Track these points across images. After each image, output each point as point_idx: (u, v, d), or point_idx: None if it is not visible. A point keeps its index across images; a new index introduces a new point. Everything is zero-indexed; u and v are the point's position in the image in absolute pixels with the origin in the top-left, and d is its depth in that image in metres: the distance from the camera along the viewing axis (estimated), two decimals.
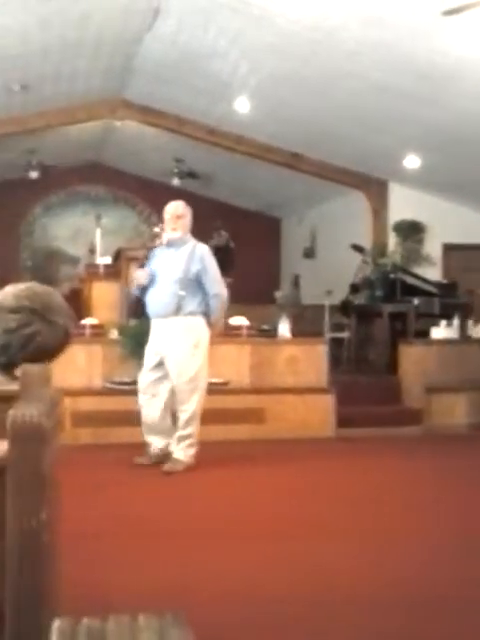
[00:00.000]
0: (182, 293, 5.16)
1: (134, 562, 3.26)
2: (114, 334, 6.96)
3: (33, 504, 1.23)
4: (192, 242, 5.39)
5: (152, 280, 5.27)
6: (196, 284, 5.22)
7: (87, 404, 6.22)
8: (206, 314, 5.27)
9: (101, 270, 7.98)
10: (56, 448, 1.39)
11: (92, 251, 10.42)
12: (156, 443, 5.29)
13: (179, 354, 5.14)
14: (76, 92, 8.58)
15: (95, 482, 4.77)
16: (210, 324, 5.29)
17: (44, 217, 12.61)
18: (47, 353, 2.00)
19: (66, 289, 11.44)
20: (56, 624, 1.08)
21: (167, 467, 5.07)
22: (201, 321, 5.25)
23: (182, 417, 5.19)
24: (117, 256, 7.94)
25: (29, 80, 7.75)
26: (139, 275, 5.36)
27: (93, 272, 8.11)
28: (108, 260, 8.22)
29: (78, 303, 8.49)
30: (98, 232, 10.01)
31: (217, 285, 5.31)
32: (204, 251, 5.38)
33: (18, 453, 1.22)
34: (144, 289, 5.30)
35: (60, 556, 1.62)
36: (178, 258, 5.27)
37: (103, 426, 6.15)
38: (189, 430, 5.20)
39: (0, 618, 1.26)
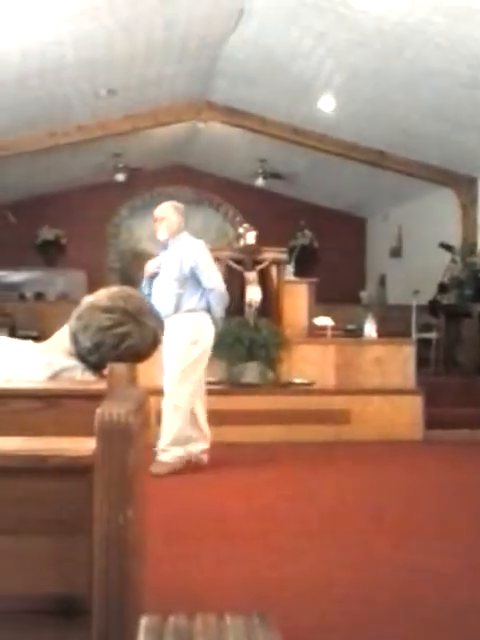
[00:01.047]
0: (180, 291, 5.18)
1: (216, 560, 3.27)
2: None
3: (120, 501, 1.24)
4: (185, 240, 5.38)
5: (153, 281, 5.34)
6: (194, 281, 5.20)
7: None
8: (208, 310, 5.22)
9: None
10: (143, 447, 1.40)
11: None
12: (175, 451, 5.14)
13: (174, 348, 5.08)
14: (161, 95, 8.69)
15: (177, 479, 4.81)
16: (214, 320, 5.23)
17: (130, 219, 12.81)
18: (137, 355, 2.02)
19: None
20: (143, 621, 1.08)
21: (152, 468, 4.87)
22: (202, 317, 5.21)
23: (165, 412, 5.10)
24: None
25: (115, 85, 7.89)
26: (148, 266, 5.44)
27: None
28: None
29: None
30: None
31: (211, 280, 5.24)
32: (197, 247, 5.35)
33: (105, 451, 1.23)
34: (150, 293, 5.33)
35: (146, 553, 1.63)
36: (173, 257, 5.30)
37: None
38: (171, 427, 5.08)
39: (87, 614, 1.27)
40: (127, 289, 2.10)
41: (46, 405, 1.73)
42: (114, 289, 2.08)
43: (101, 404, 1.30)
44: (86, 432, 1.30)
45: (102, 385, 1.78)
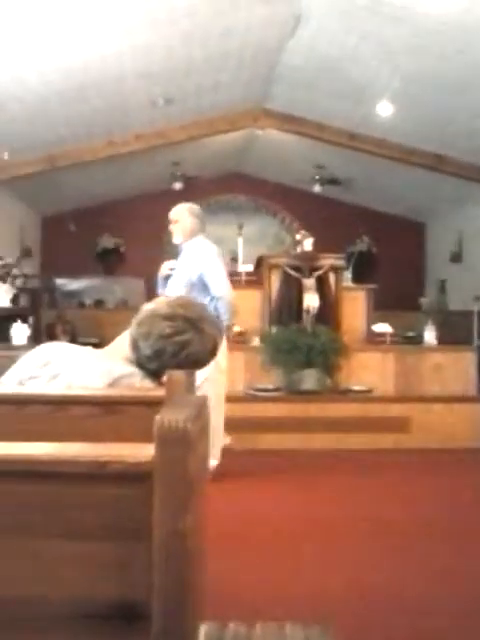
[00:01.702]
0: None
1: (274, 568, 3.25)
2: (256, 341, 7.02)
3: (179, 508, 1.24)
4: (200, 244, 5.22)
5: (167, 282, 5.21)
6: (201, 287, 5.05)
7: (231, 410, 6.28)
8: (217, 317, 5.02)
9: (243, 278, 8.06)
10: (202, 453, 1.40)
11: (234, 259, 10.56)
12: None
13: None
14: (218, 103, 8.74)
15: (236, 486, 4.81)
16: (225, 328, 5.03)
17: None
18: (196, 362, 2.03)
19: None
20: (203, 628, 1.08)
21: None
22: None
23: None
24: (259, 264, 8.01)
25: (173, 94, 7.97)
26: (162, 267, 5.32)
27: (235, 280, 8.20)
28: (250, 268, 8.29)
29: None
30: (240, 241, 10.13)
31: (219, 287, 5.07)
32: (208, 252, 5.18)
33: (164, 458, 1.23)
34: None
35: (206, 560, 1.63)
36: (185, 261, 5.18)
37: (247, 432, 6.19)
38: None
39: (146, 620, 1.27)
40: (187, 297, 2.12)
41: (105, 412, 1.75)
42: (174, 297, 2.09)
43: (160, 411, 1.30)
44: (145, 439, 1.31)
45: (161, 392, 1.79)
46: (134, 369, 2.03)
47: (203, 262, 5.09)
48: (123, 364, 2.05)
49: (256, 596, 2.87)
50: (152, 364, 2.02)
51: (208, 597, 1.69)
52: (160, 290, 5.26)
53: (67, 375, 1.99)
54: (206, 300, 5.05)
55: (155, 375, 2.05)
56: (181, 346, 1.99)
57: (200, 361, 2.05)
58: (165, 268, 5.30)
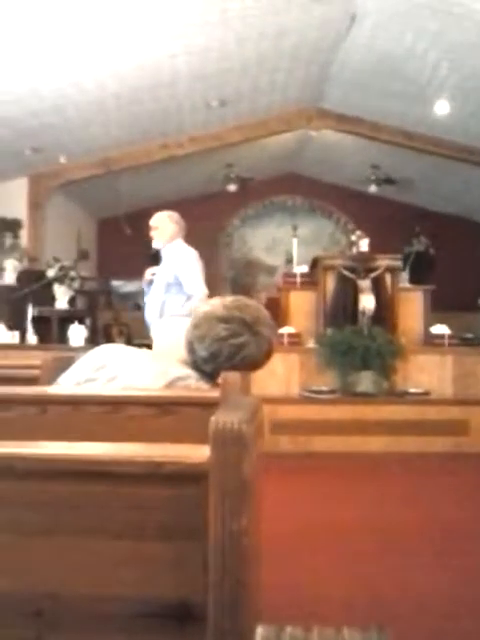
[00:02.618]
0: (164, 297, 5.20)
1: (329, 571, 3.23)
2: (311, 343, 6.99)
3: (234, 509, 1.24)
4: (177, 247, 5.38)
5: (149, 288, 5.37)
6: (178, 287, 5.19)
7: (286, 412, 6.27)
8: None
9: (298, 279, 8.03)
10: (256, 455, 1.39)
11: (289, 260, 10.53)
12: None
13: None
14: (273, 104, 8.73)
15: (290, 488, 4.79)
16: None
17: (242, 228, 12.92)
18: (252, 364, 2.02)
19: (263, 298, 11.66)
20: (259, 630, 1.07)
21: None
22: (185, 322, 5.09)
23: None
24: (314, 265, 7.97)
25: (227, 96, 7.99)
26: (146, 273, 5.47)
27: (290, 281, 8.18)
28: (305, 269, 8.26)
29: (275, 312, 8.60)
30: (295, 242, 10.10)
31: (193, 286, 5.19)
32: (184, 254, 5.33)
33: (219, 458, 1.23)
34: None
35: (261, 560, 1.62)
36: (164, 265, 5.35)
37: (302, 434, 6.17)
38: None
39: (202, 621, 1.27)
40: (243, 299, 2.10)
41: (161, 412, 1.76)
42: (229, 299, 2.08)
43: (215, 412, 1.30)
44: (200, 440, 1.31)
45: (215, 393, 1.79)
46: (190, 371, 2.03)
47: (179, 263, 5.28)
48: (179, 366, 2.05)
49: (310, 598, 2.85)
50: (208, 366, 2.01)
51: (263, 599, 1.68)
52: (146, 297, 5.45)
53: (124, 377, 2.01)
54: (183, 299, 5.18)
55: (211, 377, 2.05)
56: (237, 349, 1.98)
57: (256, 363, 2.04)
58: (148, 274, 5.46)
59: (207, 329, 2.01)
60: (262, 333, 2.02)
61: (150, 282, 5.43)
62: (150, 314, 5.33)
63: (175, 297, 5.21)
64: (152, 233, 5.49)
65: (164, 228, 5.43)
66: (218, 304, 2.07)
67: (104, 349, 2.12)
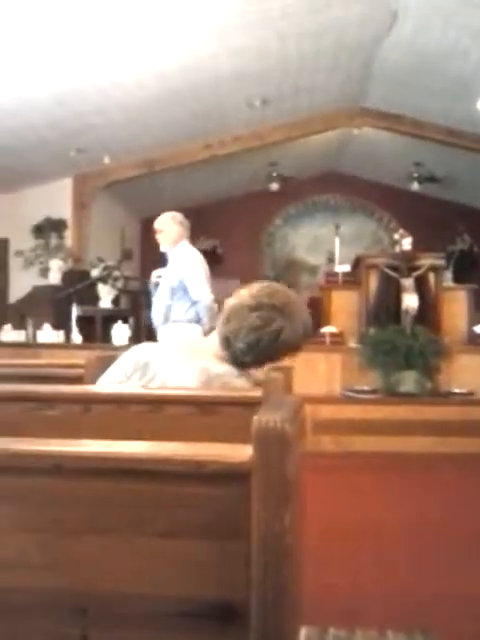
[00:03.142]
0: (169, 302, 5.13)
1: (370, 571, 3.21)
2: (353, 343, 6.95)
3: (277, 508, 1.23)
4: (182, 250, 5.28)
5: (156, 290, 5.33)
6: (184, 292, 5.12)
7: (327, 412, 6.25)
8: (199, 322, 5.09)
9: (340, 278, 7.99)
10: (299, 454, 1.39)
11: (331, 259, 10.49)
12: None
13: None
14: (314, 103, 8.70)
15: (331, 488, 4.77)
16: (205, 333, 4.97)
17: (284, 228, 12.90)
18: (291, 348, 2.01)
19: (305, 297, 11.62)
20: (303, 631, 1.07)
21: None
22: (191, 329, 5.06)
23: None
24: (356, 264, 7.92)
25: (269, 95, 7.98)
26: (152, 275, 5.44)
27: (332, 280, 8.14)
28: (347, 268, 8.22)
29: (317, 311, 8.57)
30: (337, 241, 10.06)
31: (198, 292, 5.10)
32: (190, 258, 5.23)
33: (261, 458, 1.23)
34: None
35: (303, 560, 1.62)
36: (170, 268, 5.27)
37: (344, 434, 6.14)
38: None
39: (244, 620, 1.27)
40: (269, 284, 2.08)
41: (203, 412, 1.76)
42: (256, 287, 2.06)
43: (257, 411, 1.30)
44: (241, 439, 1.31)
45: (257, 392, 1.79)
46: (228, 367, 2.03)
47: (184, 268, 5.19)
48: (216, 363, 2.05)
49: (352, 598, 2.83)
50: (247, 357, 2.00)
51: (305, 598, 1.68)
52: (153, 298, 5.41)
53: (162, 375, 2.01)
54: (188, 305, 5.12)
55: (253, 366, 2.04)
56: (275, 335, 1.97)
57: (294, 346, 2.03)
58: (154, 276, 5.44)
59: (240, 321, 2.00)
60: (295, 315, 2.00)
61: (156, 284, 5.40)
62: (156, 317, 5.30)
63: (179, 302, 5.16)
64: (157, 236, 5.42)
65: (169, 230, 5.35)
66: (245, 294, 2.05)
67: (142, 348, 2.13)
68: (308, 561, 1.77)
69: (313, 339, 7.35)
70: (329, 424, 6.14)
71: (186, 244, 5.37)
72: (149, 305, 5.40)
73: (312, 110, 8.89)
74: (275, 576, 1.25)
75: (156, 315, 5.29)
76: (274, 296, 2.01)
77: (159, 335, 5.26)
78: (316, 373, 6.52)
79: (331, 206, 12.66)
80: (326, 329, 7.16)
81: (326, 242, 11.69)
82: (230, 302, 2.06)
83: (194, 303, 5.11)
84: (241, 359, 2.02)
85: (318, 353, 6.71)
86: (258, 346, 1.97)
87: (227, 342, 2.02)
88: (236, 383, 2.01)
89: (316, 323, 8.00)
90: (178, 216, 5.44)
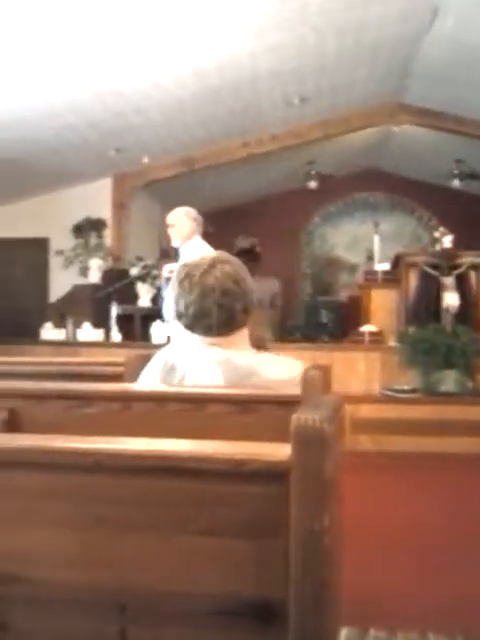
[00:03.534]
0: None
1: (408, 572, 3.18)
2: (393, 341, 6.90)
3: (315, 508, 1.23)
4: (195, 245, 5.26)
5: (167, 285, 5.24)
6: None
7: (367, 411, 6.21)
8: None
9: (379, 277, 7.94)
10: (338, 453, 1.38)
11: (370, 258, 10.42)
12: None
13: None
14: (353, 100, 8.65)
15: (373, 488, 4.74)
16: None
17: (323, 226, 12.84)
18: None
19: (344, 296, 11.56)
20: (344, 632, 1.07)
21: None
22: None
23: None
24: (396, 262, 7.86)
25: (307, 92, 7.95)
26: (163, 269, 5.41)
27: (371, 279, 8.09)
28: (386, 266, 8.16)
29: (357, 310, 8.53)
30: (376, 239, 9.98)
31: None
32: (202, 252, 5.21)
33: (300, 457, 1.22)
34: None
35: (342, 560, 1.61)
36: (181, 262, 5.24)
37: (383, 434, 6.10)
38: None
39: (284, 620, 1.26)
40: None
41: (242, 410, 1.76)
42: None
43: (297, 410, 1.29)
44: (280, 438, 1.30)
45: (296, 391, 1.78)
46: (253, 359, 2.02)
47: None
48: (242, 355, 2.04)
49: (392, 599, 2.81)
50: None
51: (344, 598, 1.67)
52: (163, 293, 5.44)
53: (191, 375, 2.01)
54: None
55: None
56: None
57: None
58: (165, 271, 5.40)
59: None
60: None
61: (168, 279, 5.44)
62: (168, 311, 5.26)
63: None
64: (169, 231, 5.41)
65: (181, 225, 5.33)
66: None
67: (167, 351, 2.14)
68: (347, 561, 1.76)
69: (352, 338, 7.32)
70: (368, 423, 6.10)
71: (199, 240, 5.39)
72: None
73: (351, 107, 8.84)
74: (314, 576, 1.24)
75: (169, 309, 5.28)
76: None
77: (171, 329, 5.31)
78: (355, 372, 6.49)
79: (370, 204, 12.57)
80: (365, 328, 7.12)
81: (365, 240, 11.60)
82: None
83: None
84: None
85: (357, 352, 6.68)
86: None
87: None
88: (266, 371, 1.98)
89: (355, 322, 7.95)
90: (192, 212, 5.43)
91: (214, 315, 2.04)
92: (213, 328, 2.05)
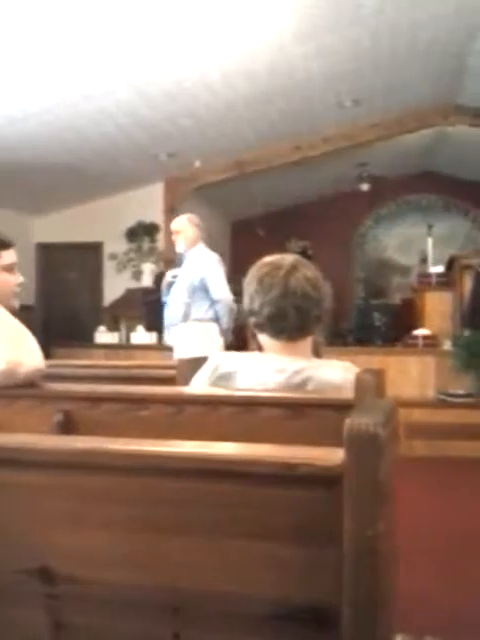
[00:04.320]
0: (188, 300, 5.21)
1: (464, 580, 3.13)
2: (447, 345, 6.80)
3: (369, 514, 1.21)
4: (200, 252, 5.40)
5: (171, 290, 5.41)
6: (203, 292, 5.23)
7: (421, 416, 6.14)
8: (217, 321, 5.24)
9: (433, 279, 7.84)
10: (392, 458, 1.36)
11: (424, 260, 10.31)
12: None
13: (183, 356, 4.98)
14: (407, 101, 8.56)
15: (427, 494, 4.68)
16: (222, 331, 5.26)
17: (376, 228, 12.74)
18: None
19: (397, 299, 11.45)
20: (398, 639, 1.05)
21: None
22: (210, 327, 5.23)
23: None
24: (450, 264, 7.76)
25: (360, 94, 7.90)
26: (167, 275, 5.54)
27: (425, 281, 8.00)
28: (440, 269, 8.06)
29: (410, 313, 8.44)
30: (429, 241, 9.87)
31: (220, 291, 5.24)
32: (209, 258, 5.35)
33: (354, 462, 1.21)
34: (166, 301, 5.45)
35: (398, 568, 1.58)
36: (187, 268, 5.36)
37: (438, 439, 6.02)
38: None
39: (337, 627, 1.25)
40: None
41: (294, 414, 1.75)
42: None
43: (350, 414, 1.28)
44: (332, 442, 1.29)
45: (349, 395, 1.76)
46: (305, 362, 2.01)
47: (205, 268, 5.33)
48: (291, 359, 2.03)
49: (447, 608, 2.77)
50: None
51: (398, 606, 1.64)
52: (164, 297, 5.53)
53: (246, 381, 2.01)
54: (207, 304, 5.27)
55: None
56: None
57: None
58: (169, 276, 5.54)
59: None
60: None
61: (170, 284, 5.51)
62: (172, 316, 5.41)
63: (200, 302, 5.29)
64: (174, 237, 5.59)
65: (186, 232, 5.51)
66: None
67: (221, 357, 2.13)
68: (401, 568, 1.73)
69: (406, 342, 7.24)
70: (422, 428, 6.03)
71: (203, 246, 5.53)
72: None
73: (404, 109, 8.75)
74: (368, 583, 1.22)
75: (173, 314, 5.40)
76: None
77: (175, 333, 5.39)
78: (409, 376, 6.41)
79: (423, 206, 12.43)
80: (419, 331, 7.04)
81: (418, 242, 11.47)
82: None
83: (213, 302, 5.29)
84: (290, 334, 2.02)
85: (411, 356, 6.61)
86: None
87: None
88: (321, 375, 1.97)
89: (408, 325, 7.86)
90: (194, 218, 5.60)
91: (290, 318, 2.00)
92: (286, 331, 2.02)
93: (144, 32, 5.60)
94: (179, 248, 5.59)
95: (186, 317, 5.33)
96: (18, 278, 2.24)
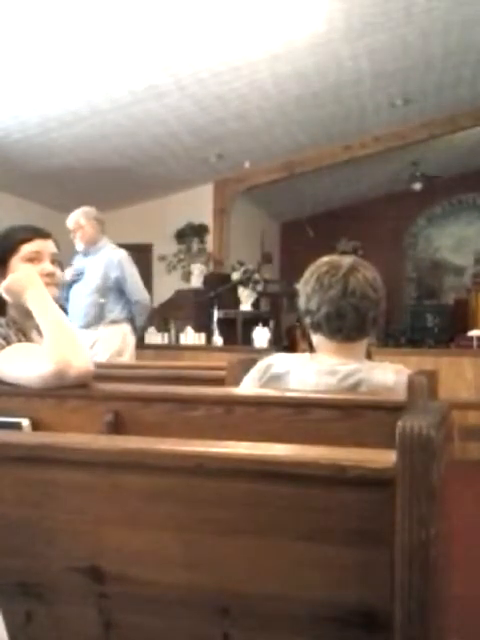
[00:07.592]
0: (102, 300, 5.01)
1: None
2: None
3: (422, 517, 1.20)
4: (108, 248, 5.16)
5: (71, 288, 5.13)
6: (117, 291, 5.05)
7: (475, 418, 6.04)
8: (131, 320, 5.12)
9: None
10: (445, 461, 1.34)
11: (478, 260, 10.16)
12: None
13: (101, 359, 4.79)
14: (460, 99, 8.43)
15: (466, 499, 4.59)
16: (135, 330, 5.17)
17: (428, 228, 12.58)
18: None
19: (451, 300, 11.31)
20: None
21: None
22: (126, 328, 5.11)
23: None
24: None
25: (411, 93, 7.81)
26: (66, 272, 5.06)
27: (479, 282, 7.89)
28: None
29: (464, 314, 8.32)
30: None
31: (138, 291, 5.11)
32: (122, 257, 5.11)
33: (406, 465, 1.20)
34: (66, 298, 5.10)
35: (451, 572, 1.56)
36: (95, 265, 5.09)
37: None
38: None
39: (388, 629, 1.24)
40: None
41: (345, 416, 1.73)
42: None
43: (402, 416, 1.26)
44: (384, 444, 1.28)
45: (401, 397, 1.74)
46: (360, 372, 1.98)
47: (118, 267, 5.11)
48: (341, 360, 2.01)
49: None
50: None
51: (452, 611, 1.62)
52: (64, 294, 5.07)
53: (296, 384, 2.00)
54: (121, 304, 5.10)
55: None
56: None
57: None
58: (68, 274, 5.12)
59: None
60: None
61: (74, 282, 5.19)
62: (81, 316, 5.08)
63: (114, 301, 5.11)
64: (76, 234, 5.19)
65: (83, 228, 5.15)
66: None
67: (275, 359, 2.12)
68: (454, 573, 1.71)
69: (459, 343, 7.13)
70: (477, 431, 5.93)
71: (107, 241, 5.27)
72: (294, 307, 5.36)
73: (457, 106, 8.62)
74: (420, 587, 1.21)
75: (81, 314, 5.09)
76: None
77: (92, 336, 5.06)
78: (463, 378, 6.31)
79: (478, 205, 12.24)
80: (473, 332, 6.94)
81: (473, 242, 11.32)
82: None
83: (128, 302, 5.16)
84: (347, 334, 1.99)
85: (465, 357, 6.50)
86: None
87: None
88: (373, 377, 1.95)
89: (462, 326, 7.75)
90: (91, 211, 5.23)
91: (348, 318, 1.96)
92: (342, 331, 1.98)
93: (194, 36, 5.62)
94: (78, 246, 5.22)
95: (101, 318, 5.11)
96: (45, 268, 2.08)
